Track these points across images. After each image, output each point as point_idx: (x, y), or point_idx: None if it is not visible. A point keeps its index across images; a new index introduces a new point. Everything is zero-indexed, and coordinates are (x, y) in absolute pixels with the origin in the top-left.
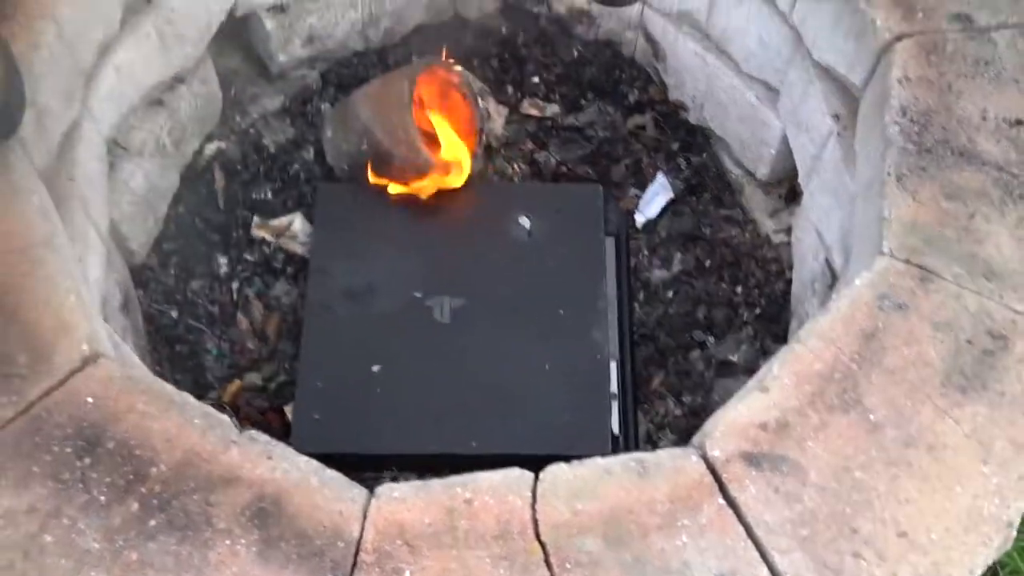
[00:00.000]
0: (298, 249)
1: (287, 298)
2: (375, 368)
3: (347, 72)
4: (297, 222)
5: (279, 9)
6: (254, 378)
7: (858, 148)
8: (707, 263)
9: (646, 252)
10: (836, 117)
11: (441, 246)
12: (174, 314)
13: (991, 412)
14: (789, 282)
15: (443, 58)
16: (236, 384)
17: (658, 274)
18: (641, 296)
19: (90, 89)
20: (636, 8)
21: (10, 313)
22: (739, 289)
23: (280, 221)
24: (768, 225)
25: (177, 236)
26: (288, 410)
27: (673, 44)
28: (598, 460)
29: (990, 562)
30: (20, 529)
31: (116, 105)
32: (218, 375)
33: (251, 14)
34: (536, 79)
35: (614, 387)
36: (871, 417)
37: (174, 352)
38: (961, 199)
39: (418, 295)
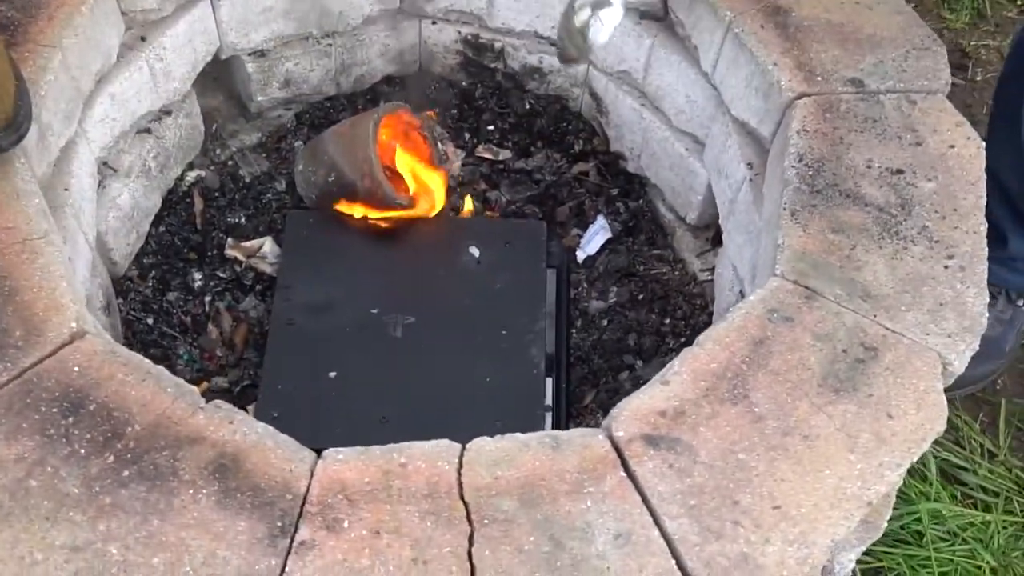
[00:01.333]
0: (267, 269)
1: (255, 312)
2: (332, 374)
3: (319, 114)
4: (267, 245)
5: (260, 54)
6: (220, 381)
7: (765, 191)
8: (639, 296)
9: (585, 285)
10: (749, 165)
11: (397, 269)
12: (150, 321)
13: (859, 410)
14: (711, 315)
15: (406, 104)
16: (203, 385)
17: (595, 304)
18: (579, 323)
19: (87, 113)
20: (583, 67)
21: (8, 294)
22: (667, 320)
23: (252, 243)
24: (695, 264)
25: (157, 252)
26: (251, 410)
27: (614, 100)
28: (518, 435)
29: (844, 535)
30: (8, 474)
31: (109, 129)
32: (187, 378)
33: (234, 57)
34: (491, 127)
35: (549, 400)
36: (755, 409)
37: (148, 355)
38: (845, 233)
39: (374, 311)
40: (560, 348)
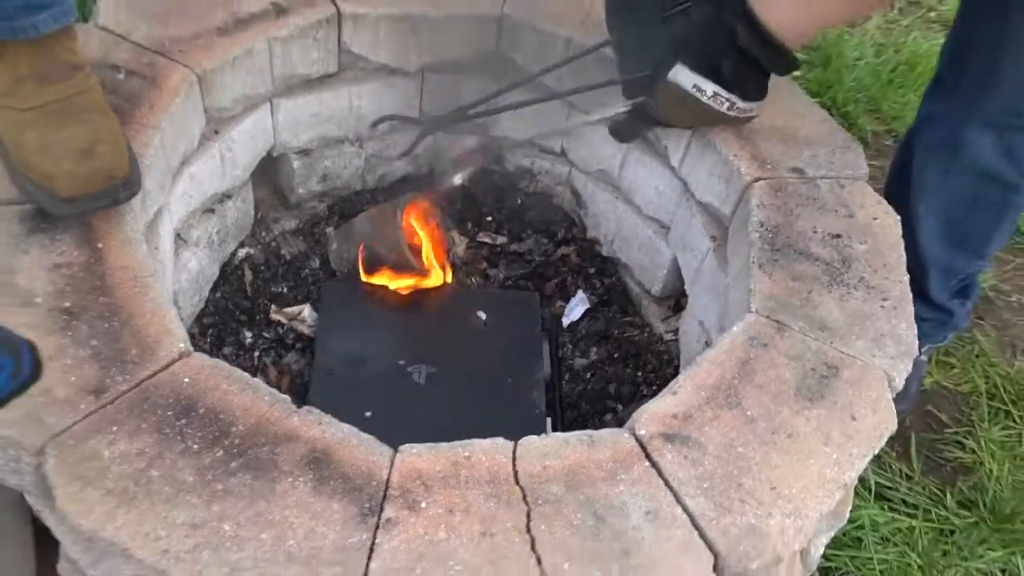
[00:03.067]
0: (305, 330)
1: (296, 365)
2: (367, 414)
3: (347, 205)
4: (305, 311)
5: (304, 153)
6: None
7: (729, 255)
8: (615, 355)
9: (570, 346)
10: (713, 238)
11: (418, 329)
12: None
13: (828, 414)
14: (677, 367)
15: (423, 196)
16: None
17: (579, 361)
18: (567, 377)
19: (172, 188)
20: (566, 168)
21: (126, 320)
22: (639, 373)
23: (292, 309)
24: (660, 327)
25: (214, 313)
26: None
27: (592, 195)
28: (558, 435)
29: (830, 509)
30: (132, 465)
31: (185, 204)
32: None
33: (284, 155)
34: (489, 218)
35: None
36: (748, 413)
37: None
38: (802, 281)
39: (401, 363)
40: (554, 395)
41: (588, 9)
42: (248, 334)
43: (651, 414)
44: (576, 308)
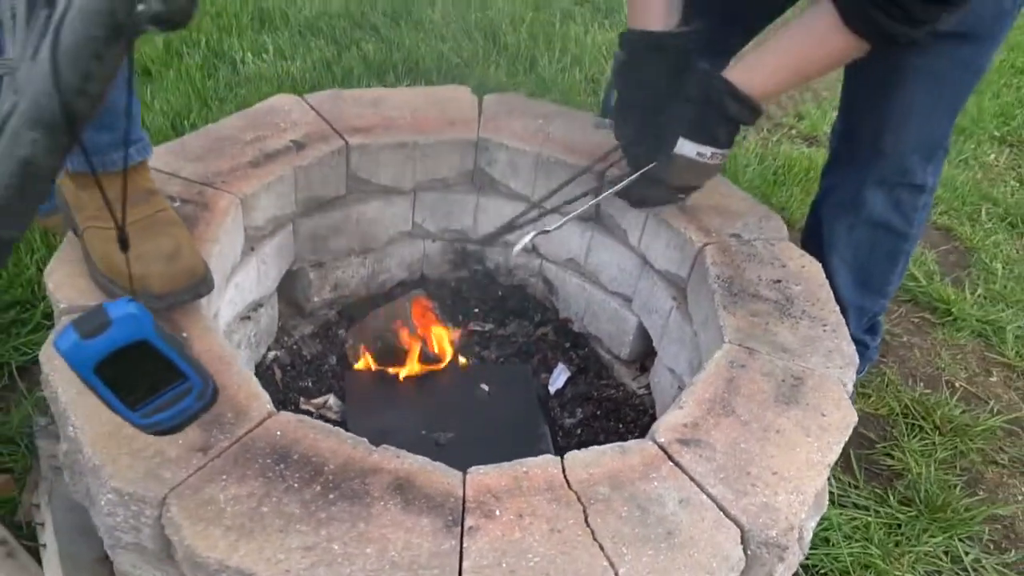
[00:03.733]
0: (333, 416)
1: None
2: None
3: (355, 309)
4: (331, 399)
5: (318, 265)
6: None
7: (691, 308)
8: (599, 412)
9: (559, 409)
10: (674, 298)
11: (434, 403)
12: None
13: (804, 413)
14: (653, 416)
15: (422, 296)
16: None
17: (568, 421)
18: (560, 435)
19: (224, 294)
20: (537, 261)
21: (219, 390)
22: (621, 425)
23: (319, 400)
24: (632, 385)
25: None
26: None
27: (562, 282)
28: (595, 447)
29: (821, 486)
30: (244, 505)
31: (231, 310)
32: None
33: (301, 268)
34: (476, 309)
35: None
36: (741, 418)
37: None
38: (759, 316)
39: (424, 432)
40: (556, 451)
41: (547, 132)
42: None
43: (666, 425)
44: (559, 377)
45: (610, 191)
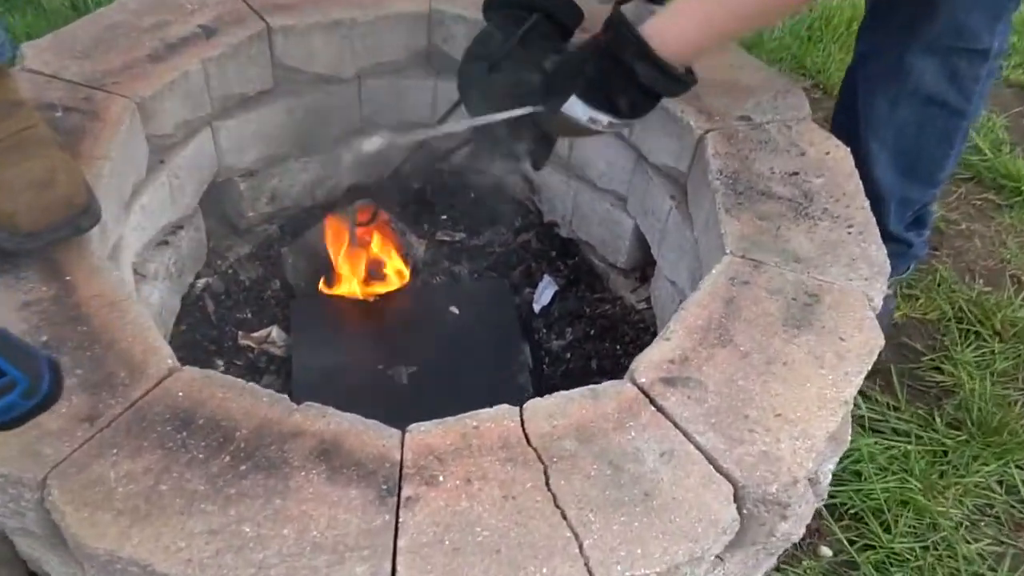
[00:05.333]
0: (277, 352)
1: (273, 387)
2: None
3: (299, 223)
4: (274, 332)
5: (249, 174)
6: None
7: (692, 209)
8: (591, 332)
9: (545, 330)
10: (672, 197)
11: (393, 332)
12: None
13: (818, 339)
14: (654, 333)
15: (372, 203)
16: None
17: (557, 343)
18: (547, 360)
19: (126, 219)
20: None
21: (109, 345)
22: (618, 346)
23: (261, 333)
24: (631, 299)
25: (181, 347)
26: None
27: (544, 178)
28: (562, 392)
29: (835, 427)
30: (140, 483)
31: (139, 236)
32: None
33: (229, 179)
34: (445, 216)
35: None
36: (741, 348)
37: None
38: (769, 219)
39: (380, 367)
40: (538, 378)
41: None
42: (220, 363)
43: (648, 362)
44: (545, 292)
45: (470, 122)
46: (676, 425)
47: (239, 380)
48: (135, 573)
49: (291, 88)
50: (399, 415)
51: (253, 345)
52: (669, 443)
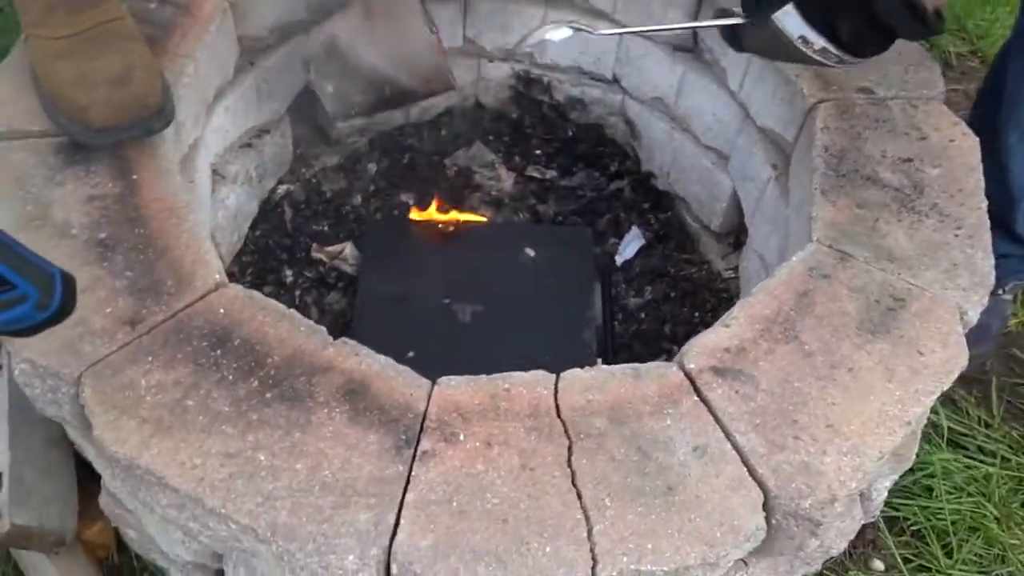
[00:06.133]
0: (347, 269)
1: (338, 305)
2: (410, 354)
3: (389, 140)
4: (348, 249)
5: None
6: None
7: (791, 184)
8: (671, 294)
9: (623, 285)
10: (774, 166)
11: (464, 266)
12: None
13: (893, 348)
14: None
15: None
16: None
17: (634, 301)
18: (620, 317)
19: (207, 120)
20: (618, 97)
21: (162, 251)
22: (696, 313)
23: (334, 247)
24: (720, 264)
25: (254, 252)
26: None
27: (647, 125)
28: (603, 367)
29: (893, 448)
30: (168, 395)
31: (221, 138)
32: None
33: (320, 87)
34: (539, 151)
35: None
36: (805, 347)
37: None
38: (868, 208)
39: (446, 302)
40: (606, 335)
41: None
42: (289, 272)
43: (701, 347)
44: (630, 245)
45: (668, 27)
46: (717, 419)
47: (280, 305)
48: (150, 482)
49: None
50: (453, 354)
51: (325, 259)
52: (705, 437)
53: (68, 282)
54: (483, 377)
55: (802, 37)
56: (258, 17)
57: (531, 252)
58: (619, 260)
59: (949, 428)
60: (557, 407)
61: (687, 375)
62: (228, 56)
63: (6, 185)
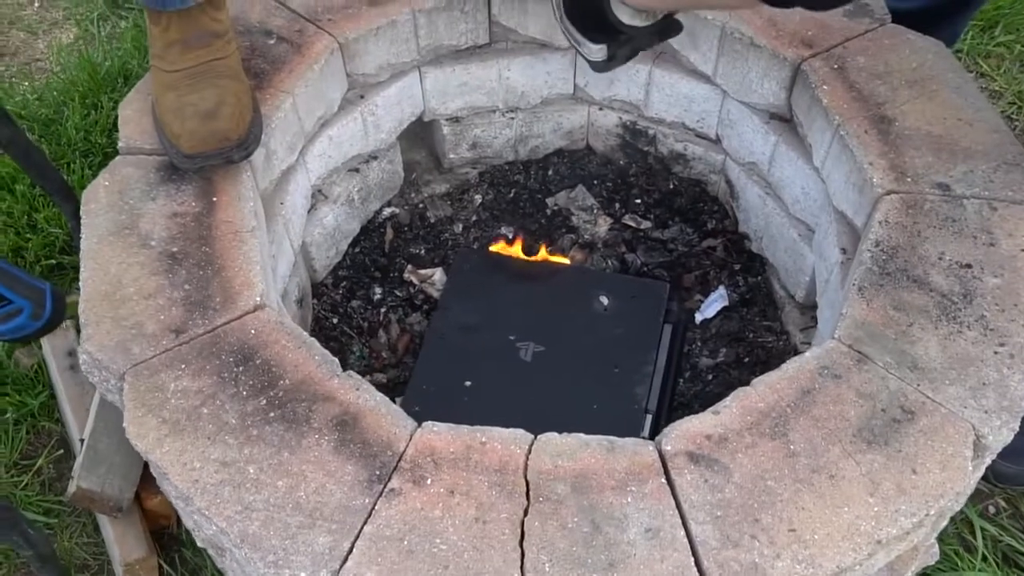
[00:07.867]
0: (434, 293)
1: (418, 326)
2: (468, 383)
3: (499, 175)
4: (438, 274)
5: (454, 120)
6: (381, 377)
7: (849, 273)
8: (745, 359)
9: (699, 343)
10: (843, 250)
11: (537, 305)
12: (335, 320)
13: (886, 462)
14: None
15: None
16: (367, 378)
17: (705, 361)
18: (687, 375)
19: (308, 148)
20: (720, 156)
21: (218, 269)
22: None
23: (426, 271)
24: (798, 337)
25: (350, 267)
26: (399, 401)
27: (744, 188)
28: (580, 435)
29: (850, 565)
30: (189, 401)
31: (324, 163)
32: (356, 370)
33: (434, 120)
34: (638, 200)
35: (646, 433)
36: (791, 446)
37: (328, 347)
38: (905, 311)
39: (511, 337)
40: (665, 393)
41: None
42: (379, 290)
43: (683, 431)
44: (714, 304)
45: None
46: (678, 504)
47: (304, 333)
48: (161, 475)
49: (505, 47)
50: (506, 389)
51: (415, 281)
52: (660, 521)
53: (57, 295)
54: (464, 427)
55: (575, 38)
56: (368, 56)
57: (604, 300)
58: (699, 318)
59: (1009, 545)
60: (526, 467)
61: (661, 456)
62: (333, 91)
63: (112, 195)
